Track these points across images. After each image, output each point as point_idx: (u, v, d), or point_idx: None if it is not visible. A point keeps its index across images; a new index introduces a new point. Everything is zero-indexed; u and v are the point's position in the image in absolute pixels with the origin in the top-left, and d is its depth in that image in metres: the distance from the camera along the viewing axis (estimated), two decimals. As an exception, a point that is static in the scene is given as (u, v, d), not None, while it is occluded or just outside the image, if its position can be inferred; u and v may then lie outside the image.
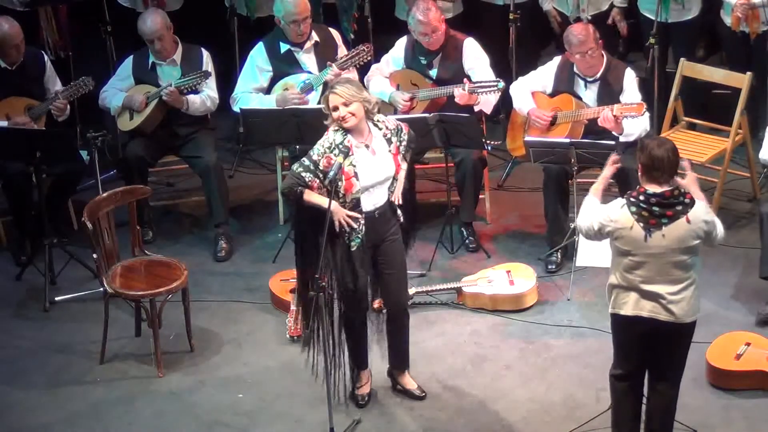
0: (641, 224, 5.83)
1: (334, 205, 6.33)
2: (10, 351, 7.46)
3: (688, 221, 5.81)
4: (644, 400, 6.22)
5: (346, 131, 6.37)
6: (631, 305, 5.96)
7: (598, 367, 6.85)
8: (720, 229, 5.95)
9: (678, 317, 5.91)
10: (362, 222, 6.45)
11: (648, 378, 6.16)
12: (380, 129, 6.47)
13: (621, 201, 5.91)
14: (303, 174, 6.36)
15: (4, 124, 8.10)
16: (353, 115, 6.34)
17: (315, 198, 6.36)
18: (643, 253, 5.85)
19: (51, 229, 8.00)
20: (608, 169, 6.23)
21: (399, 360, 6.88)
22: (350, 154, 6.35)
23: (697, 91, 9.05)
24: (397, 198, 6.55)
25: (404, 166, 6.57)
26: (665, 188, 5.82)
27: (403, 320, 6.78)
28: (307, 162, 6.37)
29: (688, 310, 5.93)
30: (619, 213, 5.88)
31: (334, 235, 6.41)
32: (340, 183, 6.34)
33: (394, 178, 6.51)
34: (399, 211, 6.60)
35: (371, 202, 6.48)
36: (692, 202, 5.84)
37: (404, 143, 6.54)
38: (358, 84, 6.48)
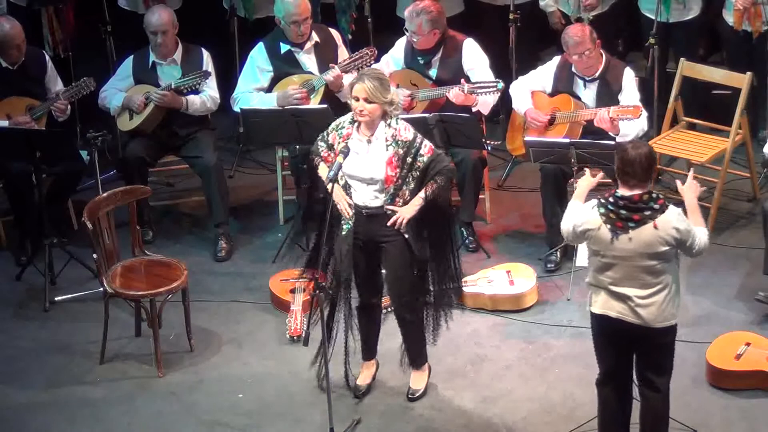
0: (608, 226, 5.85)
1: (339, 190, 6.51)
2: (10, 351, 7.46)
3: (656, 227, 5.80)
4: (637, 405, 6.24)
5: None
6: (600, 304, 6.00)
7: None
8: (701, 239, 5.91)
9: (646, 321, 5.91)
10: (352, 211, 6.55)
11: (637, 383, 6.18)
12: (389, 132, 6.46)
13: (594, 201, 5.94)
14: (320, 144, 6.62)
15: (5, 123, 8.11)
16: (369, 113, 6.40)
17: (322, 172, 6.58)
18: (611, 255, 5.88)
19: (51, 229, 8.00)
20: (591, 181, 6.20)
21: (407, 356, 6.92)
22: (349, 139, 6.48)
23: (697, 91, 9.05)
24: (397, 225, 6.50)
25: (419, 195, 6.48)
26: (635, 192, 5.82)
27: (404, 319, 6.78)
28: (324, 134, 6.61)
29: (658, 315, 5.92)
30: (590, 213, 5.92)
31: (336, 224, 6.60)
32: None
33: (386, 190, 6.47)
34: (405, 232, 6.51)
35: (357, 197, 6.55)
36: (663, 208, 5.82)
37: (431, 172, 6.43)
38: (387, 85, 6.45)
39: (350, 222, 6.57)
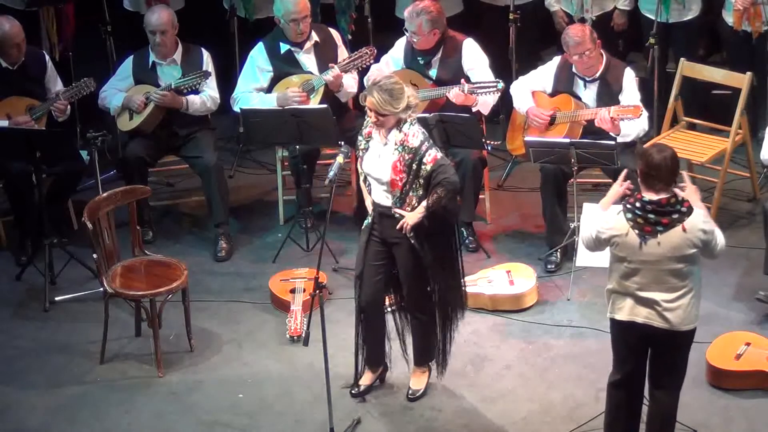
0: (636, 231, 5.82)
1: (363, 186, 6.66)
2: (10, 351, 7.46)
3: (684, 230, 5.78)
4: (645, 408, 6.22)
5: None
6: (626, 311, 5.95)
7: (598, 367, 6.86)
8: (720, 238, 5.91)
9: (673, 325, 5.89)
10: (371, 207, 6.64)
11: (648, 385, 6.16)
12: (399, 137, 6.45)
13: (618, 207, 5.90)
14: (359, 139, 6.63)
15: (5, 123, 8.11)
16: (383, 123, 6.45)
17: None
18: (639, 260, 5.84)
19: (51, 229, 8.00)
20: (619, 189, 6.13)
21: (414, 352, 6.93)
22: (368, 140, 6.55)
23: (697, 91, 9.06)
24: (403, 230, 6.51)
25: (423, 203, 6.48)
26: (662, 195, 5.79)
27: (415, 317, 6.79)
28: (361, 130, 6.64)
29: (684, 318, 5.90)
30: (615, 219, 5.88)
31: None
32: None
33: (392, 193, 6.50)
34: (411, 237, 6.53)
35: (374, 193, 6.61)
36: (689, 211, 5.81)
37: (433, 182, 6.43)
38: (398, 94, 6.39)
39: (369, 217, 6.65)
